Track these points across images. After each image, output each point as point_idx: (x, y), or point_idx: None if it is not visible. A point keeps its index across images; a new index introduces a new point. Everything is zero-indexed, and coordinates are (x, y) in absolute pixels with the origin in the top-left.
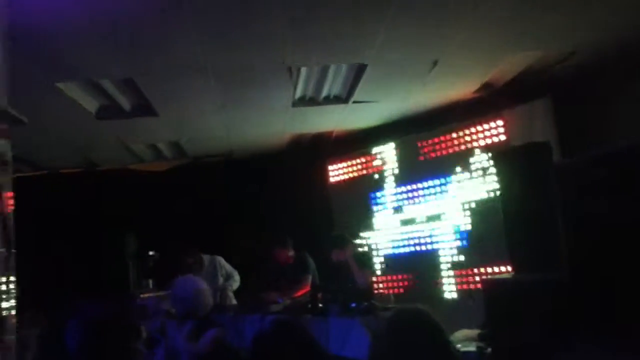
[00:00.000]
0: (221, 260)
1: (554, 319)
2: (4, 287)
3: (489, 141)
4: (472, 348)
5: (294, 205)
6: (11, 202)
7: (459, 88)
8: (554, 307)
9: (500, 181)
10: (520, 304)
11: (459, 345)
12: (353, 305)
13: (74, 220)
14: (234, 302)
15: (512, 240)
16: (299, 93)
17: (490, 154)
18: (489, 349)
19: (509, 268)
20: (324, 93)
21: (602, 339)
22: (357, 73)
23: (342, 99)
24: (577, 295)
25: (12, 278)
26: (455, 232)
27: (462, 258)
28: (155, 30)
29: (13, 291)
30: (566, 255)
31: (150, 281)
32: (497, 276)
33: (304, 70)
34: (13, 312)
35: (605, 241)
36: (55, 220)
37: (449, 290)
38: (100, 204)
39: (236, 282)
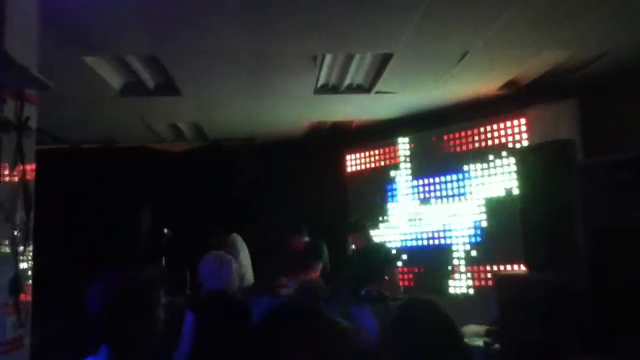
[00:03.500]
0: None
1: (567, 320)
2: (21, 249)
3: (510, 139)
4: (479, 343)
5: (312, 194)
6: (33, 171)
7: (483, 84)
8: (568, 308)
9: (520, 178)
10: (533, 302)
11: (468, 340)
12: (363, 293)
13: (91, 195)
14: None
15: (528, 238)
16: (321, 81)
17: (513, 151)
18: (496, 345)
19: (522, 267)
20: (347, 82)
21: (617, 342)
22: (382, 63)
23: (364, 88)
24: (594, 297)
25: (29, 241)
26: (471, 228)
27: (475, 254)
28: (187, 9)
29: (30, 254)
30: (585, 256)
31: (163, 259)
32: (510, 273)
33: (328, 57)
34: (29, 274)
35: (626, 243)
36: (73, 193)
37: (460, 285)
38: (118, 180)
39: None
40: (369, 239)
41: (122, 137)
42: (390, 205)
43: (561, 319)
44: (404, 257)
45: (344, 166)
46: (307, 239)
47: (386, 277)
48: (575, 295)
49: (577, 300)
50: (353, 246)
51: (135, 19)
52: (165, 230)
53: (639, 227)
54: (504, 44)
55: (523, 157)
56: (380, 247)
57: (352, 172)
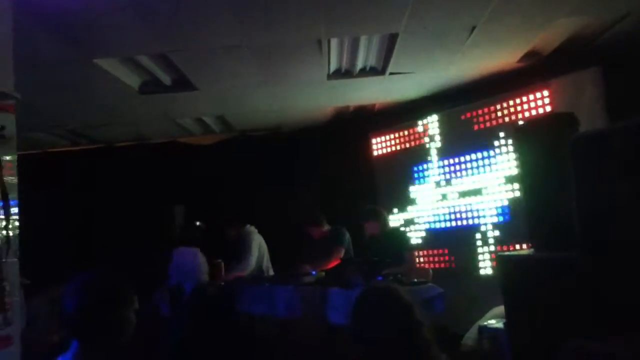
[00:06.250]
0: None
1: (566, 300)
2: (4, 251)
3: (534, 112)
4: (500, 325)
5: (340, 178)
6: (12, 179)
7: (500, 57)
8: (569, 287)
9: (520, 155)
10: (534, 282)
11: (492, 321)
12: (379, 278)
13: (126, 191)
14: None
15: (531, 218)
16: (333, 66)
17: (513, 127)
18: None
19: None
20: (360, 65)
21: (613, 322)
22: (390, 44)
23: (378, 70)
24: (587, 275)
25: (12, 244)
26: (498, 208)
27: (504, 234)
28: (186, 7)
29: (16, 255)
30: (579, 234)
31: None
32: (511, 253)
33: (334, 42)
34: (16, 273)
35: (621, 220)
36: (108, 190)
37: (489, 266)
38: (152, 175)
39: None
40: (385, 224)
41: (152, 133)
42: (417, 187)
43: (562, 298)
44: (433, 238)
45: (370, 149)
46: (326, 227)
47: (404, 262)
48: (575, 273)
49: (577, 279)
50: (369, 233)
51: (137, 19)
52: (198, 223)
53: (631, 198)
54: (511, 15)
55: (521, 133)
56: (398, 232)
57: (378, 155)
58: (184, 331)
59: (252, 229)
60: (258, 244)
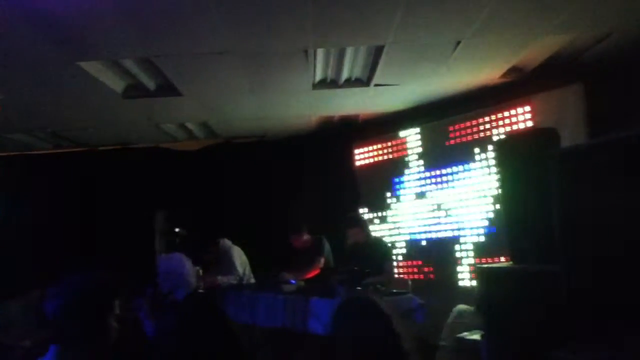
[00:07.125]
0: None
1: (545, 312)
2: None
3: (516, 127)
4: (477, 337)
5: (323, 188)
6: None
7: (485, 72)
8: (544, 300)
9: (501, 169)
10: (514, 294)
11: (474, 334)
12: (358, 288)
13: (107, 195)
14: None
15: (511, 231)
16: (319, 76)
17: (494, 142)
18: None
19: None
20: (345, 76)
21: (595, 333)
22: (376, 55)
23: (363, 81)
24: (568, 287)
25: None
26: (479, 220)
27: (486, 246)
28: (173, 12)
29: None
30: (560, 246)
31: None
32: (491, 265)
33: (320, 52)
34: None
35: (601, 232)
36: (91, 194)
37: (469, 278)
38: (133, 180)
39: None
40: (367, 233)
41: (136, 138)
42: (399, 198)
43: (542, 310)
44: (413, 250)
45: (353, 159)
46: (307, 236)
47: (383, 272)
48: (554, 285)
49: (558, 291)
50: (351, 241)
51: (122, 22)
52: (177, 229)
53: (614, 211)
54: (496, 31)
55: (502, 147)
56: (378, 242)
57: (361, 165)
58: (176, 338)
59: (229, 243)
60: (239, 257)
